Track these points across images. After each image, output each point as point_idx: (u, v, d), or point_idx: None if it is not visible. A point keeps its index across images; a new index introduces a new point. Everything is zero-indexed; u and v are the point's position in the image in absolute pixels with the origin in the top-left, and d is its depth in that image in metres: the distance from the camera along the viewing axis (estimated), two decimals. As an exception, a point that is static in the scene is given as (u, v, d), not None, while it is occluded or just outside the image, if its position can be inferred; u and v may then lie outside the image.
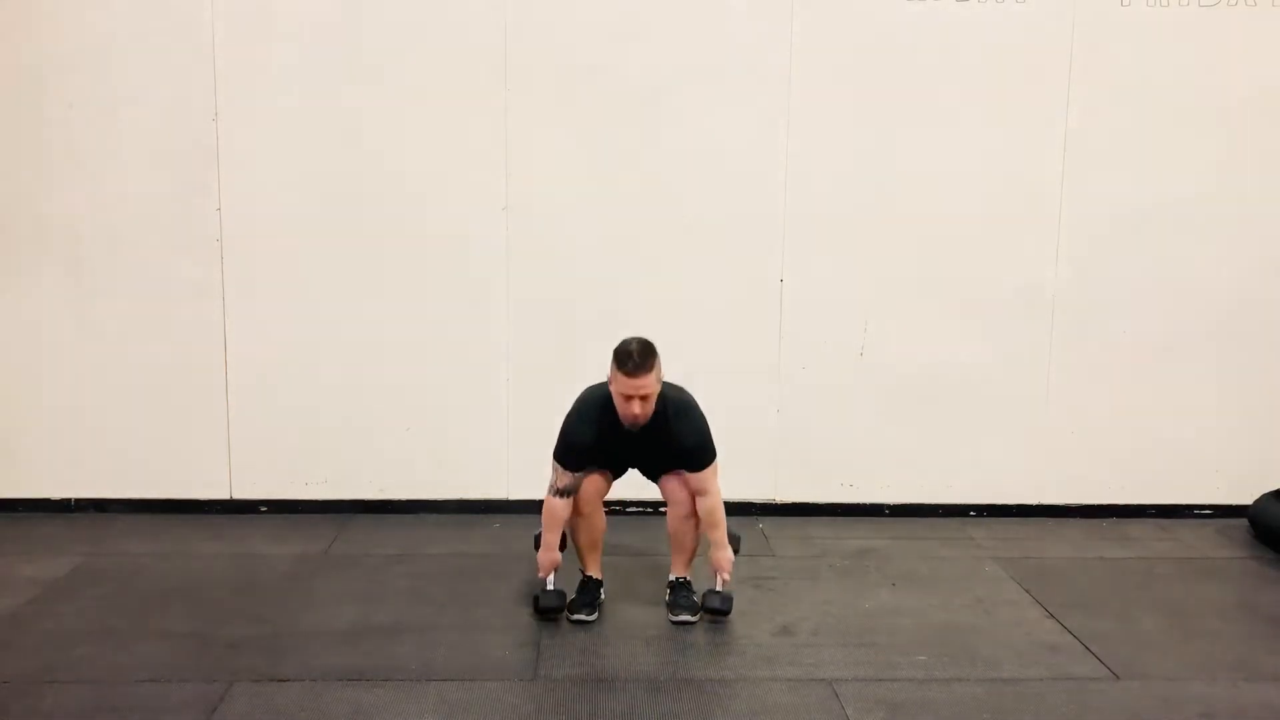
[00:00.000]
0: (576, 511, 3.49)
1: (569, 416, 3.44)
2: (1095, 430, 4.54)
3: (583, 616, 3.46)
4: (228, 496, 4.47)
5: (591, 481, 3.48)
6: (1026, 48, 4.33)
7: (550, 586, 3.46)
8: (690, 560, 3.60)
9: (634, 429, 3.33)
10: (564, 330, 4.37)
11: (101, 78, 4.23)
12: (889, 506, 4.56)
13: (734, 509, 4.46)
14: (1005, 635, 3.44)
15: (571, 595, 3.53)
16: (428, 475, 4.48)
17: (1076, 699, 3.03)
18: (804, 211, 4.37)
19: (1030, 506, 4.58)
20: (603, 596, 3.57)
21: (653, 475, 3.56)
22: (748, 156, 4.34)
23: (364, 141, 4.29)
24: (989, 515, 4.56)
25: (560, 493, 3.43)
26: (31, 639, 3.30)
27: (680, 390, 3.45)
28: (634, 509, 4.40)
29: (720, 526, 3.45)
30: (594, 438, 3.38)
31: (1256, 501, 4.41)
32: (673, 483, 3.48)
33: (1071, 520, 4.54)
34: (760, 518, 4.49)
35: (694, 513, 3.48)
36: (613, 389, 3.30)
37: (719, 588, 3.47)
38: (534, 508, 4.45)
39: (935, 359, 4.48)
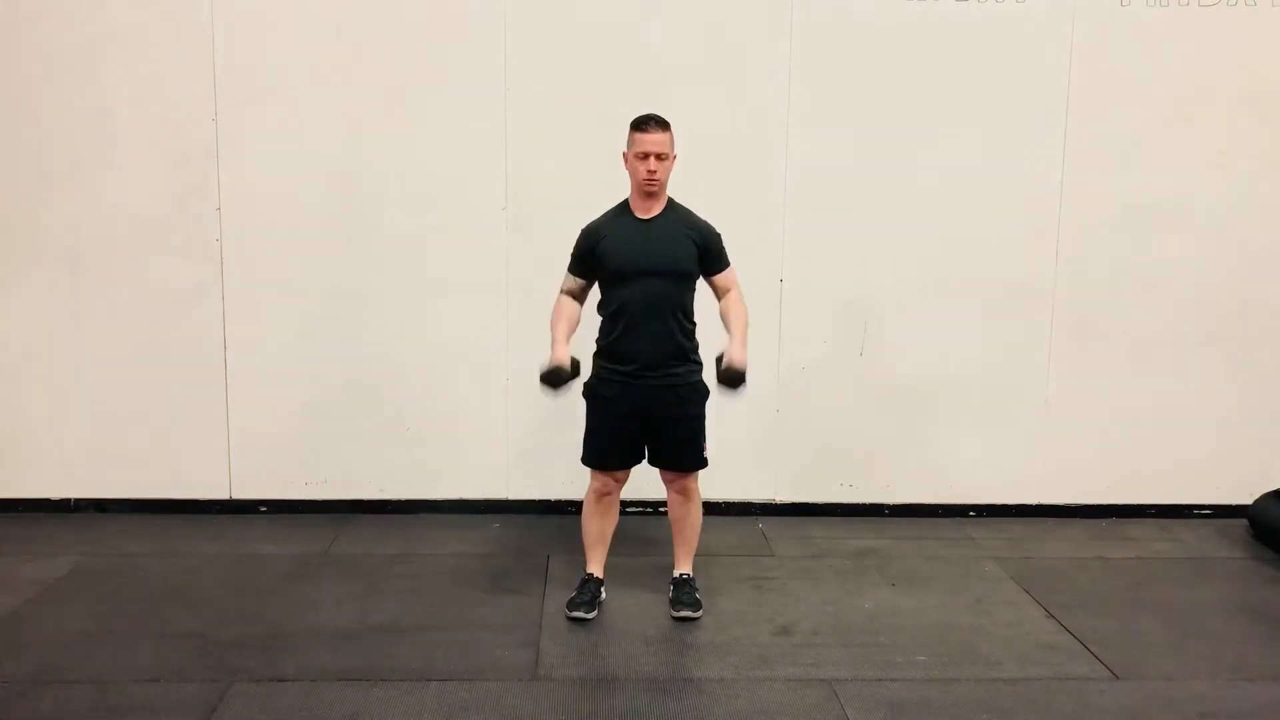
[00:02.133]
0: (595, 503, 3.53)
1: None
2: (1095, 430, 4.54)
3: (582, 614, 3.46)
4: (227, 496, 4.47)
5: (610, 476, 3.50)
6: (1026, 47, 4.33)
7: (561, 364, 3.38)
8: (692, 554, 3.62)
9: (649, 213, 3.37)
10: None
11: (101, 78, 4.23)
12: (889, 506, 4.56)
13: (734, 509, 4.50)
14: (1005, 635, 3.44)
15: (572, 593, 3.54)
16: (428, 475, 4.48)
17: (1076, 699, 3.03)
18: (804, 211, 4.37)
19: (1030, 506, 4.58)
20: (603, 595, 3.57)
21: (659, 457, 3.51)
22: (748, 156, 4.34)
23: (363, 142, 4.29)
24: (989, 515, 4.56)
25: (568, 293, 3.48)
26: (31, 639, 3.30)
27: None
28: (634, 509, 4.40)
29: (741, 320, 3.43)
30: (606, 225, 3.42)
31: (1256, 501, 4.41)
32: (672, 468, 3.51)
33: (1071, 520, 4.54)
34: (760, 518, 4.49)
35: (691, 497, 3.53)
36: (629, 155, 3.40)
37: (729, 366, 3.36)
38: (534, 508, 4.49)
39: (935, 359, 4.48)
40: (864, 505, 4.55)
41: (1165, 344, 4.50)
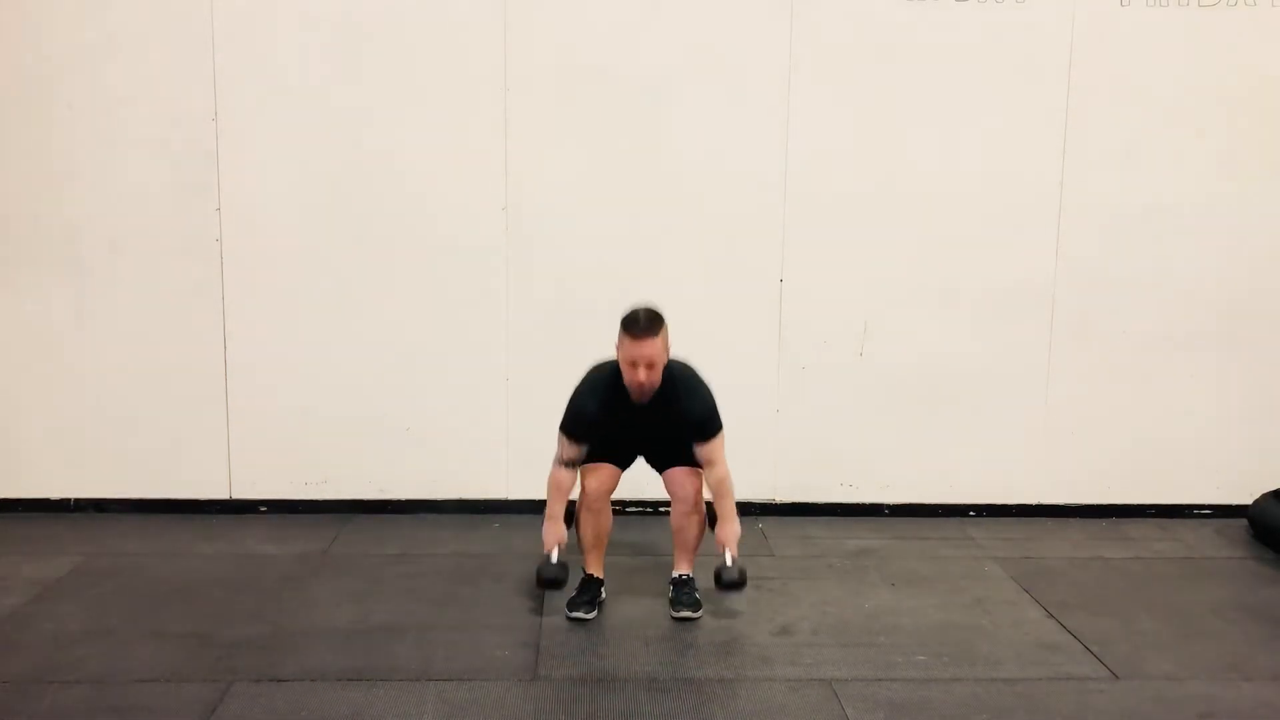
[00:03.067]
0: (586, 507, 3.51)
1: (577, 389, 3.45)
2: (1095, 430, 4.54)
3: (582, 614, 3.46)
4: (227, 496, 4.47)
5: (601, 478, 3.48)
6: (1026, 47, 4.33)
7: (554, 560, 3.44)
8: (693, 557, 3.61)
9: (641, 400, 3.34)
10: (564, 330, 4.36)
11: (101, 78, 4.23)
12: (889, 506, 4.56)
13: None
14: (1005, 635, 3.44)
15: (573, 593, 3.54)
16: (428, 475, 4.48)
17: (1076, 699, 3.03)
18: (804, 211, 4.37)
19: (1030, 506, 4.58)
20: (603, 595, 3.57)
21: (659, 464, 3.55)
22: (748, 156, 4.34)
23: (363, 141, 4.29)
24: (989, 515, 4.56)
25: (566, 464, 3.45)
26: (31, 639, 3.30)
27: (685, 365, 3.46)
28: (634, 509, 4.40)
29: (729, 498, 3.46)
30: (600, 409, 3.38)
31: (1256, 501, 4.41)
32: (678, 477, 3.50)
33: (1071, 520, 4.54)
34: (760, 518, 4.49)
35: (697, 508, 3.51)
36: (620, 356, 3.32)
37: (729, 563, 3.44)
38: (534, 507, 4.45)
39: (935, 359, 4.48)
40: (864, 505, 4.55)
41: (1165, 344, 4.50)
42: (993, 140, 4.37)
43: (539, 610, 3.54)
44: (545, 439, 4.38)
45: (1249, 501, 4.45)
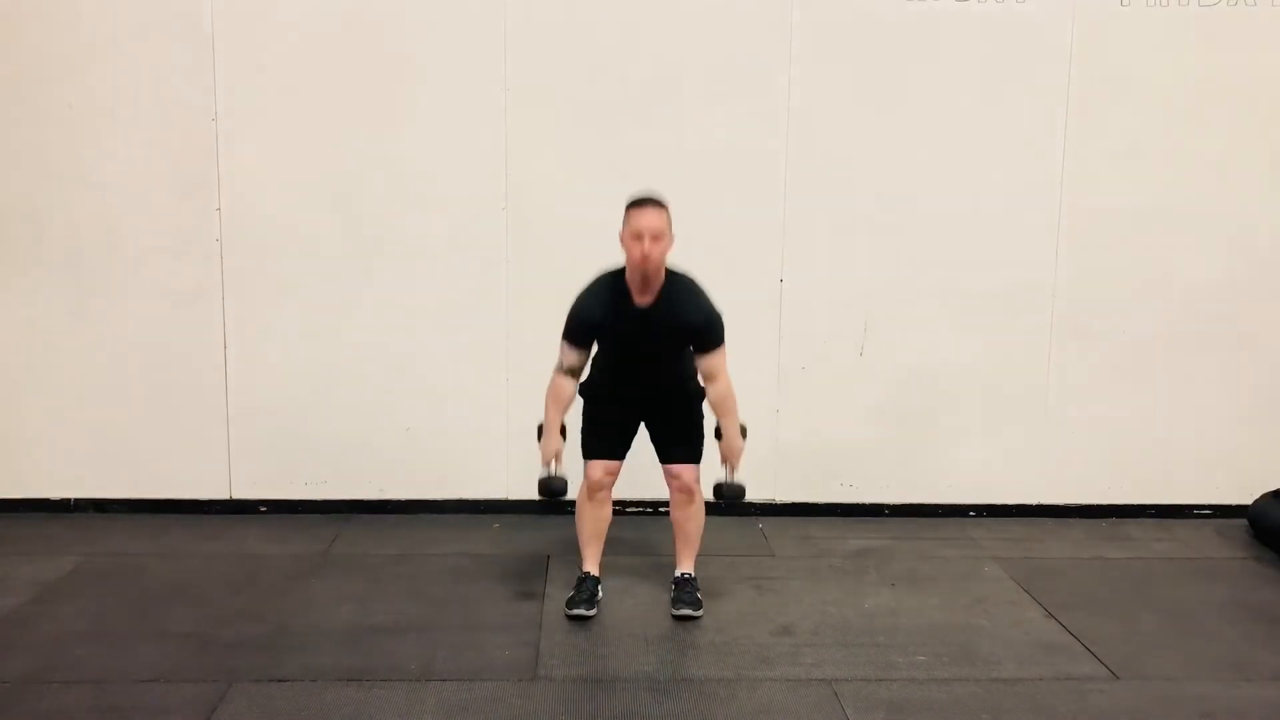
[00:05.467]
0: (588, 498, 3.53)
1: (580, 293, 3.43)
2: (1095, 430, 4.54)
3: (581, 612, 3.46)
4: (227, 496, 4.47)
5: (604, 468, 3.49)
6: (1026, 47, 4.33)
7: (555, 472, 3.43)
8: (694, 555, 3.62)
9: (644, 300, 3.32)
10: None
11: (101, 78, 4.23)
12: (889, 506, 4.56)
13: (734, 509, 4.48)
14: (1005, 635, 3.44)
15: (570, 592, 3.54)
16: (428, 475, 4.48)
17: (1076, 699, 3.03)
18: (804, 211, 4.37)
19: (1030, 506, 4.58)
20: (601, 593, 3.57)
21: (661, 440, 3.53)
22: (748, 156, 4.34)
23: (363, 141, 4.29)
24: (989, 515, 4.56)
25: (567, 371, 3.43)
26: (31, 639, 3.30)
27: (689, 275, 3.45)
28: (634, 509, 4.40)
29: (732, 414, 3.45)
30: (602, 310, 3.37)
31: (1256, 501, 4.41)
32: (676, 466, 3.52)
33: (1071, 520, 4.54)
34: (760, 518, 4.49)
35: (694, 500, 3.53)
36: (624, 235, 3.31)
37: (729, 479, 3.50)
38: (533, 508, 4.48)
39: (935, 359, 4.48)
40: (864, 505, 4.55)
41: (1165, 344, 4.50)
42: (993, 140, 4.37)
43: (539, 610, 3.54)
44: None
45: (1249, 501, 4.45)
